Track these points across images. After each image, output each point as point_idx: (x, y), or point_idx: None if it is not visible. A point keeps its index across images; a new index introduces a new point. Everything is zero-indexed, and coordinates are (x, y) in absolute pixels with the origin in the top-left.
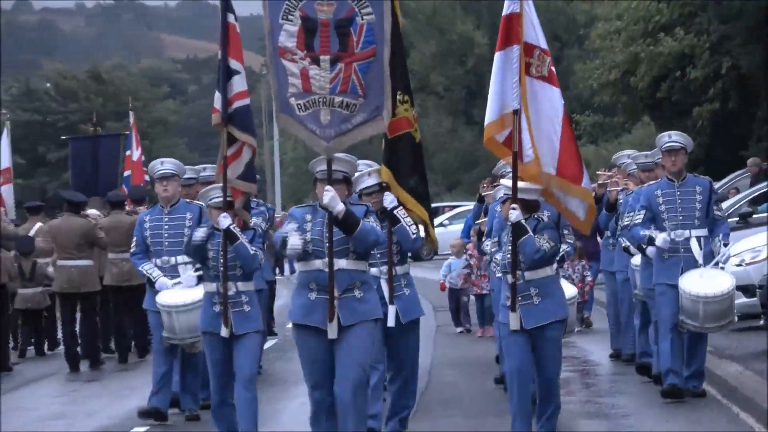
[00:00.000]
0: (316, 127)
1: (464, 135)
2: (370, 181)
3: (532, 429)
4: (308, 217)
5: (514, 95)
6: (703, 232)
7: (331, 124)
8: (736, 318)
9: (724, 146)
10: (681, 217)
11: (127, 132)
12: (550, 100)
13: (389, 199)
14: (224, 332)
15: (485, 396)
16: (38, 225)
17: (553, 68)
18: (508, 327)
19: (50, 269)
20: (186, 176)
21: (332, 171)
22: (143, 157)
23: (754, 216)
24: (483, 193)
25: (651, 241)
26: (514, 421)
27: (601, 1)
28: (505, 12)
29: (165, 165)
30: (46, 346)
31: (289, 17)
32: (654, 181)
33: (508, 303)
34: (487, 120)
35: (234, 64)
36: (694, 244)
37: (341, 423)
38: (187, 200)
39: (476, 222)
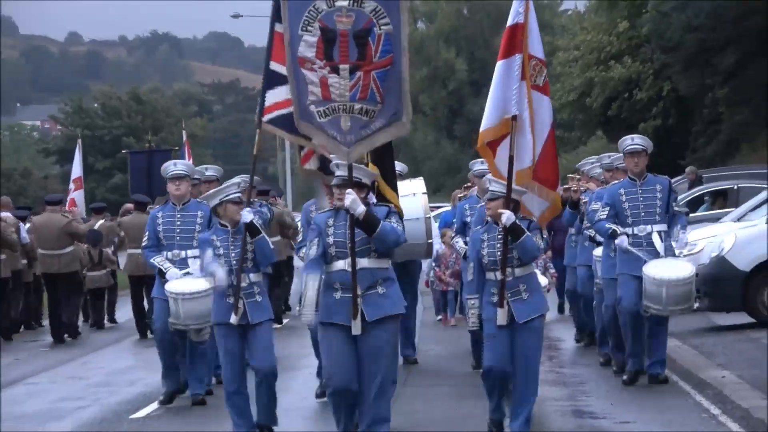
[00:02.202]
0: (337, 133)
1: (447, 147)
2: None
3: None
4: (330, 221)
5: (513, 102)
6: (664, 227)
7: (351, 130)
8: (695, 304)
9: (665, 156)
10: (643, 214)
11: (177, 148)
12: (543, 109)
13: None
14: (233, 319)
15: (466, 367)
16: (101, 221)
17: (547, 78)
18: (493, 323)
19: (110, 253)
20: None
21: (357, 177)
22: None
23: (691, 215)
24: (460, 195)
25: (613, 234)
26: (493, 411)
27: (562, 34)
28: (510, 22)
29: (177, 166)
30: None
31: (309, 28)
32: (617, 181)
33: (494, 299)
34: (484, 126)
35: (283, 70)
36: (655, 238)
37: (365, 415)
38: (198, 200)
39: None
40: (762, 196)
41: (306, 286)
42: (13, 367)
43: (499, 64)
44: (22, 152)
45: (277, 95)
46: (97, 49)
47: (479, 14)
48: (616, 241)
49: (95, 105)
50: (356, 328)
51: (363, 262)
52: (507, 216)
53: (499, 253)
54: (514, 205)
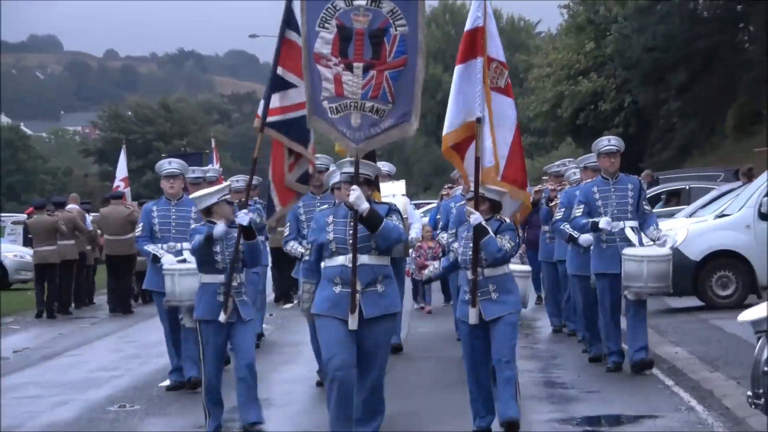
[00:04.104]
0: (347, 129)
1: (435, 150)
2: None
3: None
4: (329, 219)
5: (477, 104)
6: (635, 223)
7: (361, 127)
8: (671, 288)
9: (625, 160)
10: (616, 211)
11: (207, 151)
12: (505, 110)
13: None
14: (222, 318)
15: (453, 343)
16: None
17: (510, 80)
18: (467, 321)
19: None
20: (194, 176)
21: (359, 174)
22: (221, 168)
23: None
24: (443, 194)
25: (594, 225)
26: (472, 402)
27: (536, 53)
28: (468, 27)
29: (172, 165)
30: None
31: (326, 25)
32: (590, 180)
33: (466, 297)
34: (446, 130)
35: (289, 76)
36: (629, 231)
37: (360, 409)
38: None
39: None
40: (710, 195)
41: (303, 291)
42: (57, 341)
43: (459, 68)
44: (65, 153)
45: (281, 99)
46: (131, 64)
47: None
48: (600, 224)
49: (129, 113)
50: (353, 323)
51: (363, 259)
52: (474, 217)
53: (470, 252)
54: (493, 206)
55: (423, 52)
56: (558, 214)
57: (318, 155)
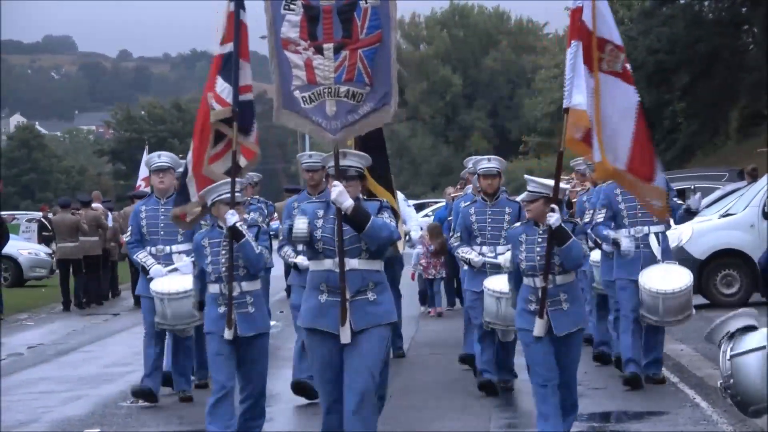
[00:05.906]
0: (322, 119)
1: (443, 150)
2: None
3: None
4: (320, 213)
5: (566, 92)
6: (661, 228)
7: (337, 115)
8: (693, 311)
9: None
10: (640, 215)
11: None
12: (623, 96)
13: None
14: (228, 334)
15: (459, 343)
16: None
17: (628, 65)
18: (531, 333)
19: None
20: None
21: (346, 167)
22: None
23: None
24: (453, 195)
25: (616, 243)
26: (546, 422)
27: (543, 54)
28: (573, 5)
29: (162, 158)
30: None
31: (291, 6)
32: (611, 181)
33: (531, 307)
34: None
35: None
36: (652, 240)
37: (346, 429)
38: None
39: (448, 218)
40: (715, 194)
41: (297, 222)
42: (71, 336)
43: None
44: (79, 153)
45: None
46: (144, 65)
47: (472, 38)
48: (622, 249)
49: (142, 113)
50: (345, 336)
51: (353, 263)
52: (556, 218)
53: (539, 257)
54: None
55: (396, 26)
56: (587, 216)
57: (312, 152)
